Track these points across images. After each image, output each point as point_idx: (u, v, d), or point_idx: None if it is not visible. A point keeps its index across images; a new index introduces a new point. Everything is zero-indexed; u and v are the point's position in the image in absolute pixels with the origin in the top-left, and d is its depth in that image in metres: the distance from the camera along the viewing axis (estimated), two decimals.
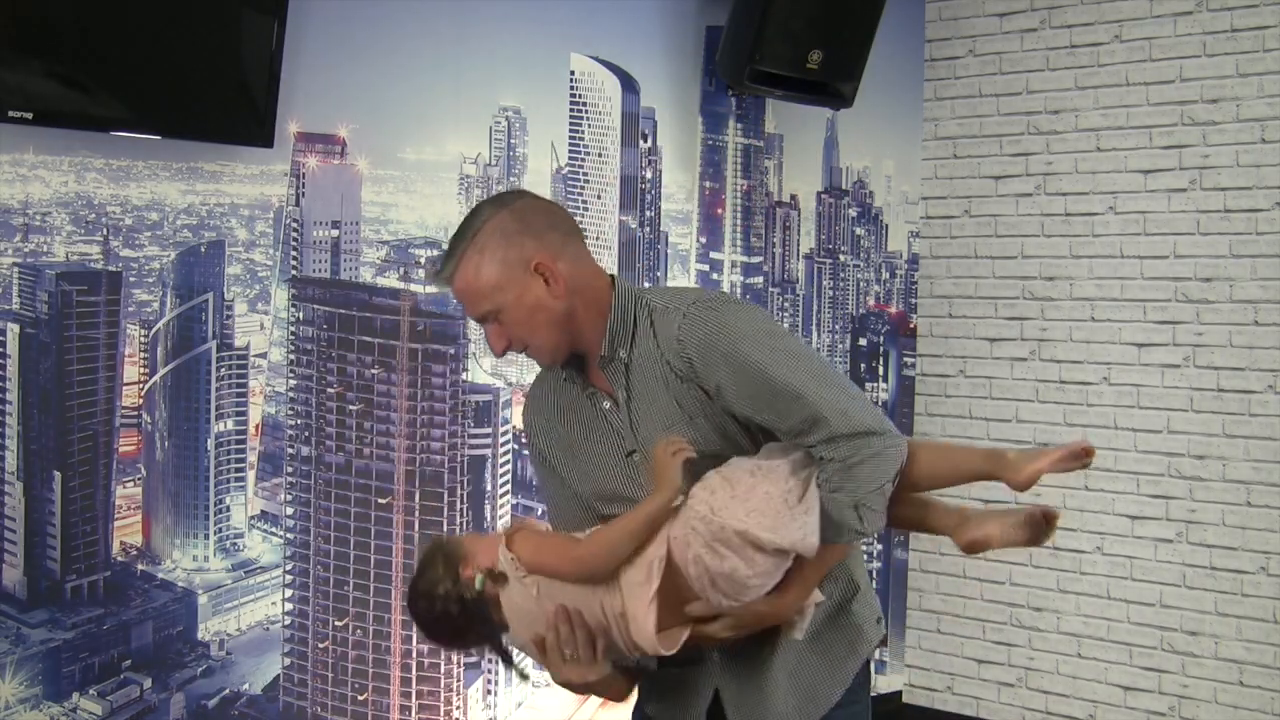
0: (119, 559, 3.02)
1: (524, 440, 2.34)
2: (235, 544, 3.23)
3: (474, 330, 3.64)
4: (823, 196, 4.64)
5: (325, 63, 3.30)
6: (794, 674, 2.16)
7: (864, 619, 2.22)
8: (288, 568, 3.31)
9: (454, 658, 3.58)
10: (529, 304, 2.06)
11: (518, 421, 3.76)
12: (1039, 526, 2.05)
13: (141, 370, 3.06)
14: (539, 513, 3.49)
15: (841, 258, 4.69)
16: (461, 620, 1.98)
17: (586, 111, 3.92)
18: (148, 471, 3.07)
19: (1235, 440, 4.13)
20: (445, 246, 2.11)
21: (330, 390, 3.35)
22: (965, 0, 4.66)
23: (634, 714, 2.32)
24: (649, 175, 4.13)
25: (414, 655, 3.50)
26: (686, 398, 2.07)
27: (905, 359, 4.80)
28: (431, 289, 3.50)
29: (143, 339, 3.06)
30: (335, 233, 3.38)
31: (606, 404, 2.14)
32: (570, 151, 3.90)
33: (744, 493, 1.92)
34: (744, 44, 3.92)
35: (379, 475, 3.42)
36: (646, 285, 4.12)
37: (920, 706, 4.75)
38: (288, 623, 3.31)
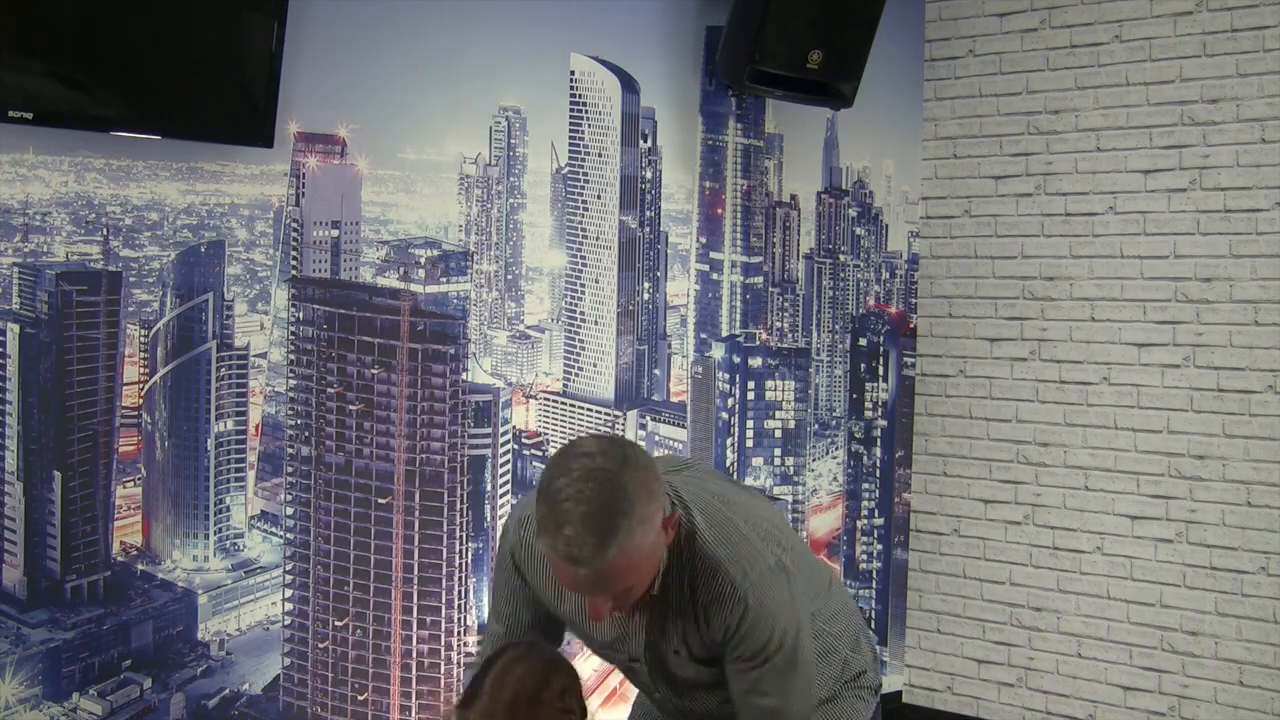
0: (119, 559, 3.02)
1: (500, 548, 2.17)
2: (235, 544, 3.23)
3: (474, 330, 3.64)
4: (823, 196, 4.63)
5: (325, 63, 3.30)
6: None
7: (859, 694, 2.27)
8: (288, 568, 3.31)
9: (454, 658, 3.57)
10: (658, 563, 1.88)
11: (518, 421, 3.76)
12: None
13: (141, 370, 3.06)
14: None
15: (841, 258, 4.69)
16: None
17: (586, 111, 3.92)
18: (148, 471, 3.07)
19: (1235, 440, 4.13)
20: (569, 519, 1.78)
21: (330, 390, 3.35)
22: (965, 0, 4.66)
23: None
24: (649, 175, 4.12)
25: (414, 655, 3.50)
26: (694, 645, 2.02)
27: (905, 359, 4.80)
28: (431, 291, 3.50)
29: (143, 339, 3.06)
30: (335, 233, 3.38)
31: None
32: (570, 151, 3.90)
33: None
34: (744, 44, 3.92)
35: (379, 475, 3.42)
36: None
37: (920, 706, 4.75)
38: (288, 623, 3.31)
